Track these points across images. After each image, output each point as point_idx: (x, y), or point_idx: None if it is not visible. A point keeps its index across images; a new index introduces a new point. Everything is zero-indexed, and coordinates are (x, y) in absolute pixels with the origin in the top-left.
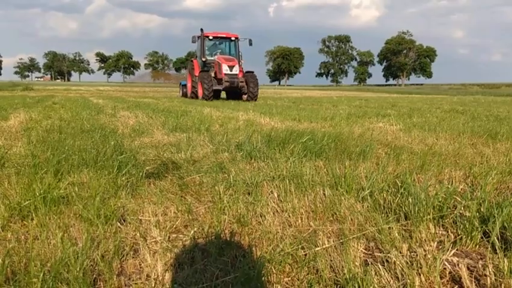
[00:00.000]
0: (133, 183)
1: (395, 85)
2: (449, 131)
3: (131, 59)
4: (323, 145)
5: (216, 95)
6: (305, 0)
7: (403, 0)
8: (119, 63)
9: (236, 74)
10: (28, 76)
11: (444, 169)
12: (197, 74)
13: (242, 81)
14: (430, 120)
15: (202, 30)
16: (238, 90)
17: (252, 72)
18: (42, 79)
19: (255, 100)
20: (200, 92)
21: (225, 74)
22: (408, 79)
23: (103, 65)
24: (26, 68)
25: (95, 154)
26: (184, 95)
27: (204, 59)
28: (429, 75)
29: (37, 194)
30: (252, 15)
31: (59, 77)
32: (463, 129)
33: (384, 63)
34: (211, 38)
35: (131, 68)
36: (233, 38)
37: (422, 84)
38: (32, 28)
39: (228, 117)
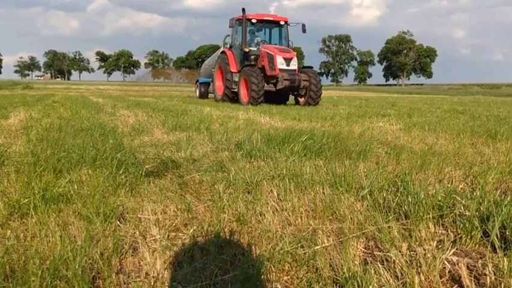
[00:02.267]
0: (132, 181)
1: (395, 85)
2: (449, 131)
3: (132, 58)
4: (322, 144)
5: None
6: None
7: (405, 0)
8: (120, 62)
9: (294, 70)
10: (28, 75)
11: (444, 169)
12: (234, 70)
13: (306, 80)
14: (430, 120)
15: (244, 10)
16: (295, 92)
17: (311, 67)
18: (42, 78)
19: (317, 104)
20: (244, 94)
21: (281, 70)
22: (409, 79)
23: (103, 64)
24: (27, 66)
25: (94, 152)
26: (203, 95)
27: (246, 50)
28: (429, 75)
29: (36, 192)
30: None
31: (59, 76)
32: (463, 129)
33: (385, 63)
34: (254, 21)
35: (132, 67)
36: (282, 22)
37: (422, 84)
38: (33, 27)
39: (228, 117)
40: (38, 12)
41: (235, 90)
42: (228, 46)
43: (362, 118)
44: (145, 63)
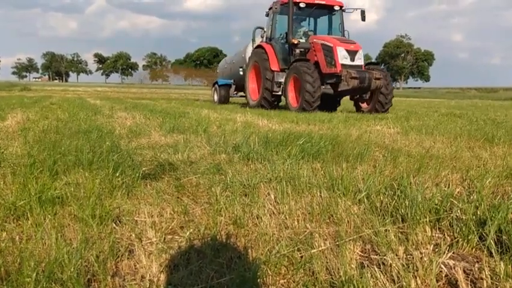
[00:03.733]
0: (129, 184)
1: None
2: (447, 134)
3: (130, 60)
4: (320, 147)
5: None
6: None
7: (403, 4)
8: (118, 64)
9: (361, 66)
10: (26, 76)
11: (441, 172)
12: (276, 68)
13: (379, 78)
14: (427, 124)
15: None
16: (359, 95)
17: (377, 63)
18: (40, 79)
19: (387, 111)
20: (293, 98)
21: (343, 66)
22: (406, 82)
23: (101, 65)
24: (24, 68)
25: (91, 155)
26: (223, 99)
27: (295, 41)
28: (427, 78)
29: (32, 194)
30: (252, 17)
31: (57, 78)
32: (460, 133)
33: (382, 67)
34: (302, 5)
35: (130, 69)
36: (336, 8)
37: (419, 88)
38: (32, 28)
39: (225, 119)
40: (37, 13)
41: (278, 93)
42: (265, 39)
43: (360, 121)
44: (143, 65)
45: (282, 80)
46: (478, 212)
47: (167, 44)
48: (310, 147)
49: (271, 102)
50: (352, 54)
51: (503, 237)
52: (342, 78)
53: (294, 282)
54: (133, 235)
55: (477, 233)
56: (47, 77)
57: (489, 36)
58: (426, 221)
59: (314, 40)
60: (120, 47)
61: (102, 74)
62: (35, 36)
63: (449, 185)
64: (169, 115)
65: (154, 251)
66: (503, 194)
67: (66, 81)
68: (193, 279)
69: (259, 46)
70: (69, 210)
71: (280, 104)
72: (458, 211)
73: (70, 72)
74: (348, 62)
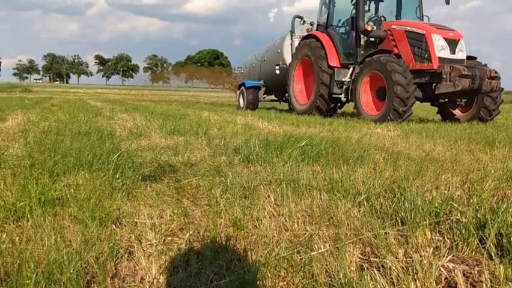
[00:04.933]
0: (129, 185)
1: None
2: (447, 137)
3: (130, 62)
4: (320, 150)
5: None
6: (306, 5)
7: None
8: (118, 66)
9: (463, 60)
10: (27, 78)
11: (441, 175)
12: (335, 63)
13: (494, 77)
14: (428, 127)
15: None
16: (460, 99)
17: (475, 57)
18: (40, 81)
19: (492, 120)
20: (368, 103)
21: (441, 61)
22: None
23: (101, 67)
24: (25, 69)
25: (91, 156)
26: (252, 104)
27: (368, 28)
28: None
29: (32, 195)
30: (253, 20)
31: (57, 79)
32: (461, 136)
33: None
34: None
35: (130, 71)
36: None
37: None
38: (33, 30)
39: (226, 121)
40: (38, 15)
41: (339, 95)
42: (315, 28)
43: (360, 124)
44: (144, 67)
45: (345, 79)
46: (478, 215)
47: (168, 46)
48: (311, 149)
49: (329, 106)
50: (452, 44)
51: (503, 240)
52: (444, 76)
53: (293, 284)
54: (133, 237)
55: (477, 236)
56: (47, 78)
57: (489, 41)
58: (426, 224)
59: (393, 26)
60: (121, 49)
61: (103, 76)
62: (36, 37)
63: (449, 188)
64: (169, 117)
65: (153, 253)
66: (503, 197)
67: (67, 82)
68: (193, 281)
69: (309, 36)
70: (69, 212)
71: (340, 110)
72: (458, 214)
73: (71, 74)
74: (447, 54)
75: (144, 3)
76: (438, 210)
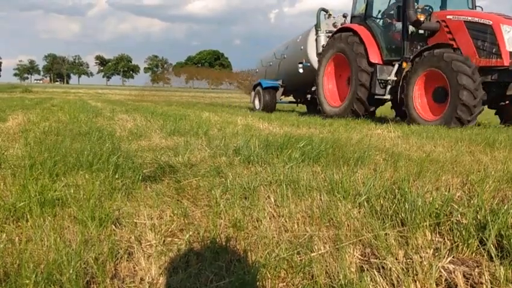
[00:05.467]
0: (129, 186)
1: None
2: (447, 139)
3: (131, 62)
4: (320, 151)
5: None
6: (306, 6)
7: None
8: (119, 67)
9: None
10: (27, 78)
11: (441, 176)
12: (377, 60)
13: None
14: (428, 128)
15: None
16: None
17: None
18: (41, 81)
19: None
20: (425, 106)
21: None
22: None
23: (102, 68)
24: (26, 70)
25: (91, 156)
26: (269, 106)
27: (421, 18)
28: None
29: (32, 195)
30: (253, 21)
31: (58, 80)
32: (461, 137)
33: None
34: None
35: (131, 72)
36: None
37: None
38: (33, 30)
39: (226, 122)
40: (39, 15)
41: (383, 96)
42: (349, 20)
43: (361, 125)
44: (145, 68)
45: (390, 78)
46: (478, 217)
47: (169, 47)
48: (311, 150)
49: (367, 110)
50: None
51: (504, 241)
52: None
53: (293, 285)
54: (133, 237)
55: (477, 238)
56: (48, 79)
57: None
58: (426, 225)
59: (448, 17)
60: (122, 50)
61: (103, 76)
62: (37, 38)
63: (449, 189)
64: (169, 117)
65: (153, 254)
66: (503, 198)
67: (67, 83)
68: (193, 281)
69: (344, 29)
70: (69, 212)
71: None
72: (459, 215)
73: (71, 74)
74: None
75: (145, 3)
76: (439, 212)
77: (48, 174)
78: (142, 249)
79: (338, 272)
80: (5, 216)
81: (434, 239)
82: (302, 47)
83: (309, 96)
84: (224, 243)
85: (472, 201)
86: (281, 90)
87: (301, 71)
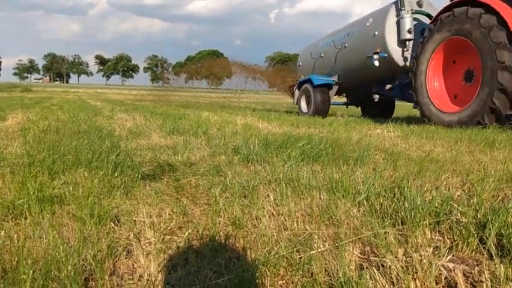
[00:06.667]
0: (128, 184)
1: None
2: (447, 138)
3: (130, 62)
4: (320, 150)
5: None
6: (306, 7)
7: None
8: (118, 66)
9: None
10: (27, 77)
11: (441, 175)
12: None
13: None
14: (428, 127)
15: None
16: None
17: None
18: (41, 81)
19: None
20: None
21: None
22: None
23: (102, 67)
24: (26, 69)
25: (90, 155)
26: (322, 109)
27: None
28: None
29: (31, 193)
30: (253, 21)
31: (57, 79)
32: (461, 137)
33: None
34: None
35: (130, 71)
36: None
37: None
38: (34, 30)
39: (226, 121)
40: (40, 15)
41: None
42: None
43: (360, 125)
44: (144, 68)
45: None
46: (478, 215)
47: (169, 46)
48: (310, 149)
49: (503, 123)
50: None
51: (504, 240)
52: None
53: (292, 283)
54: (132, 235)
55: (477, 236)
56: (48, 78)
57: None
58: (426, 224)
59: None
60: (122, 49)
61: (103, 76)
62: (37, 37)
63: (449, 188)
64: (169, 117)
65: (152, 251)
66: (503, 197)
67: (67, 82)
68: (192, 279)
69: (464, 3)
70: (67, 210)
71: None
72: (458, 214)
73: (71, 74)
74: None
75: (146, 3)
76: (438, 210)
77: (47, 172)
78: (141, 246)
79: (337, 270)
80: (4, 213)
81: (433, 237)
82: (377, 33)
83: (377, 96)
84: (223, 241)
85: (471, 200)
86: (335, 88)
87: (377, 63)
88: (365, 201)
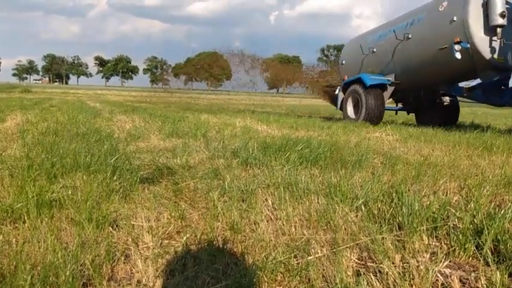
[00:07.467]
0: (126, 187)
1: None
2: (445, 142)
3: (130, 63)
4: (318, 153)
5: None
6: (307, 9)
7: (404, 11)
8: (118, 67)
9: None
10: (26, 78)
11: (439, 180)
12: None
13: None
14: (426, 131)
15: None
16: None
17: None
18: (40, 82)
19: None
20: None
21: None
22: None
23: (101, 68)
24: (25, 70)
25: (89, 158)
26: (375, 116)
27: None
28: None
29: (30, 196)
30: (253, 23)
31: (57, 80)
32: (459, 141)
33: None
34: None
35: (130, 73)
36: None
37: None
38: (33, 30)
39: (225, 124)
40: (39, 16)
41: None
42: None
43: (359, 128)
44: (144, 69)
45: None
46: (475, 221)
47: (169, 48)
48: (309, 153)
49: None
50: None
51: (500, 246)
52: None
53: None
54: (130, 239)
55: (474, 242)
56: (47, 79)
57: None
58: (423, 229)
59: None
60: (121, 51)
61: (102, 77)
62: (36, 38)
63: (446, 193)
64: (168, 119)
65: (150, 256)
66: (500, 203)
67: (66, 83)
68: (189, 284)
69: None
70: (66, 214)
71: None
72: (455, 219)
73: (70, 75)
74: None
75: (145, 4)
76: (436, 216)
77: (46, 175)
78: (139, 251)
79: (334, 276)
80: (2, 217)
81: (431, 243)
82: (455, 18)
83: (447, 98)
84: (221, 246)
85: (469, 206)
86: (390, 90)
87: (458, 56)
88: (362, 206)
